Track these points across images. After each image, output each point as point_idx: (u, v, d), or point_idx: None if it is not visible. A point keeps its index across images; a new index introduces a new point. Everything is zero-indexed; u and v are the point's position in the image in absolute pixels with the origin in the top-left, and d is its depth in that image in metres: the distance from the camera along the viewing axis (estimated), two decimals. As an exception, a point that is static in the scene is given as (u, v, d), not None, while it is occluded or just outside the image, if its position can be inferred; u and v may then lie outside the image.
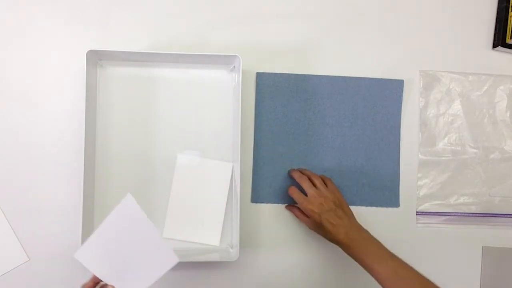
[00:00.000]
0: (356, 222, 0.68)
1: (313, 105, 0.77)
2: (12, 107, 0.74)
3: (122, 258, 0.59)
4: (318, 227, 0.68)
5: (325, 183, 0.71)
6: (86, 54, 0.68)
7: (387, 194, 0.78)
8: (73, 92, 0.74)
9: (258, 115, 0.77)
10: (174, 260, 0.58)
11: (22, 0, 0.75)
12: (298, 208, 0.72)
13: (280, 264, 0.77)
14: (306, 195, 0.70)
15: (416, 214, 0.79)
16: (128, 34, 0.76)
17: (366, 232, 0.67)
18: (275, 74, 0.77)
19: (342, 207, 0.69)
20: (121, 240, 0.59)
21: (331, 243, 0.78)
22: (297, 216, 0.73)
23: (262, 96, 0.77)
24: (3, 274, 0.72)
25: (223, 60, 0.74)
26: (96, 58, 0.72)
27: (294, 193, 0.71)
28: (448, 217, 0.79)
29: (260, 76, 0.77)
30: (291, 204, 0.75)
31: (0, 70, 0.74)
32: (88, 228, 0.70)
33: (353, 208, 0.73)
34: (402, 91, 0.79)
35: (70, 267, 0.73)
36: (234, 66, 0.74)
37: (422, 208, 0.79)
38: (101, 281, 0.59)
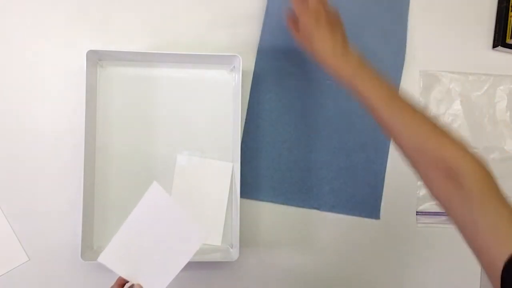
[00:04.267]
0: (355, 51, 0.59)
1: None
2: (12, 107, 0.74)
3: (148, 251, 0.58)
4: (307, 38, 0.60)
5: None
6: (86, 54, 0.68)
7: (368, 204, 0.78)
8: (73, 92, 0.74)
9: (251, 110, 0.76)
10: (203, 238, 0.58)
11: (22, 0, 0.75)
12: (294, 22, 0.64)
13: (280, 264, 0.77)
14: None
15: (416, 214, 0.79)
16: (128, 34, 0.76)
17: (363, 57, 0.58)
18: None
19: (340, 27, 0.61)
20: (146, 232, 0.58)
21: (330, 244, 0.78)
22: (289, 28, 0.65)
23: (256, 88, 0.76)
24: (3, 274, 0.72)
25: (223, 60, 0.74)
26: (96, 58, 0.72)
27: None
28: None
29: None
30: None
31: (0, 70, 0.74)
32: (88, 228, 0.70)
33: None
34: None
35: (70, 267, 0.73)
36: (234, 66, 0.74)
37: (422, 208, 0.79)
38: (127, 281, 0.59)
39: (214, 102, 0.75)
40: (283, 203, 0.77)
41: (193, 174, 0.74)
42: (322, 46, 0.58)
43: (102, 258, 0.58)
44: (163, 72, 0.75)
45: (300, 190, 0.77)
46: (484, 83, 0.81)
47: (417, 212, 0.79)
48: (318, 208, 0.77)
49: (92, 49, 0.69)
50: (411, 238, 0.79)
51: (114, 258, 0.58)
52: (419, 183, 0.79)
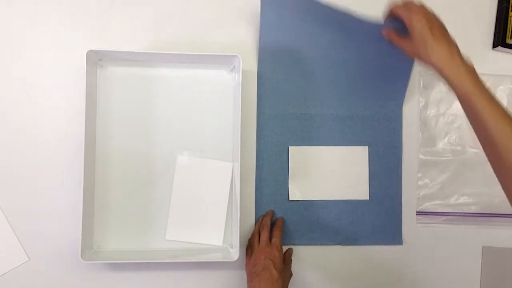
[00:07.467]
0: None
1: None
2: (12, 107, 0.74)
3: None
4: (422, 45, 0.58)
5: None
6: (86, 54, 0.68)
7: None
8: (73, 92, 0.74)
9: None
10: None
11: (22, 0, 0.75)
12: (394, 33, 0.64)
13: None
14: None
15: (416, 214, 0.79)
16: (128, 34, 0.76)
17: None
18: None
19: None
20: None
21: (330, 246, 0.77)
22: (392, 41, 0.65)
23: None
24: (3, 274, 0.72)
25: (223, 60, 0.74)
26: (96, 58, 0.72)
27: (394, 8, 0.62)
28: (448, 217, 0.79)
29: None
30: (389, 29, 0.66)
31: (0, 70, 0.74)
32: (88, 228, 0.70)
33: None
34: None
35: (70, 267, 0.73)
36: (234, 66, 0.74)
37: (422, 208, 0.79)
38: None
39: (214, 102, 0.75)
40: (305, 244, 0.77)
41: (193, 174, 0.74)
42: (440, 54, 0.57)
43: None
44: (163, 72, 0.75)
45: (320, 228, 0.77)
46: (484, 83, 0.81)
47: (417, 212, 0.79)
48: (340, 243, 0.78)
49: (92, 49, 0.69)
50: (411, 238, 0.79)
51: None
52: (419, 183, 0.79)
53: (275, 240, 0.70)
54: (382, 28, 0.66)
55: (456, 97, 0.57)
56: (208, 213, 0.74)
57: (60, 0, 0.75)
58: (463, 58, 0.58)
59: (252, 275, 0.67)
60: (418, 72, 0.80)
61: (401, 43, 0.63)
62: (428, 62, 0.59)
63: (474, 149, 0.80)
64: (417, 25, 0.58)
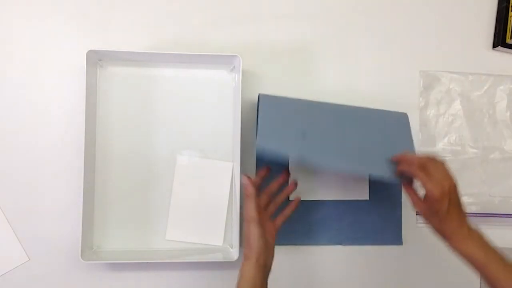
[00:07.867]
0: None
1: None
2: (12, 107, 0.74)
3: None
4: (435, 216, 0.59)
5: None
6: (86, 54, 0.68)
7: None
8: (73, 92, 0.74)
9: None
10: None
11: (22, 0, 0.75)
12: (414, 191, 0.64)
13: (279, 263, 0.76)
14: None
15: (416, 214, 0.79)
16: (128, 34, 0.76)
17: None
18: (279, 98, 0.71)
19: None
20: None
21: (330, 246, 0.77)
22: (410, 198, 0.64)
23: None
24: (3, 274, 0.72)
25: (223, 60, 0.74)
26: (96, 58, 0.72)
27: (415, 171, 0.60)
28: (448, 217, 0.79)
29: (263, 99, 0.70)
30: (407, 184, 0.65)
31: (0, 70, 0.74)
32: (88, 228, 0.70)
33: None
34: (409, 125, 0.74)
35: (70, 267, 0.73)
36: (234, 66, 0.74)
37: (422, 208, 0.79)
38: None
39: (214, 102, 0.75)
40: (305, 244, 0.76)
41: (193, 174, 0.74)
42: (450, 226, 0.59)
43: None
44: (163, 72, 0.75)
45: (320, 228, 0.77)
46: (484, 83, 0.81)
47: (417, 212, 0.79)
48: (340, 243, 0.77)
49: (92, 49, 0.69)
50: (411, 238, 0.78)
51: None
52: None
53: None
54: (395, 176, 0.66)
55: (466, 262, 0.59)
56: (208, 213, 0.74)
57: (60, 0, 0.75)
58: (471, 225, 0.60)
59: None
60: (418, 72, 0.80)
61: (418, 204, 0.63)
62: (437, 229, 0.61)
63: (474, 149, 0.80)
64: (435, 196, 0.58)
